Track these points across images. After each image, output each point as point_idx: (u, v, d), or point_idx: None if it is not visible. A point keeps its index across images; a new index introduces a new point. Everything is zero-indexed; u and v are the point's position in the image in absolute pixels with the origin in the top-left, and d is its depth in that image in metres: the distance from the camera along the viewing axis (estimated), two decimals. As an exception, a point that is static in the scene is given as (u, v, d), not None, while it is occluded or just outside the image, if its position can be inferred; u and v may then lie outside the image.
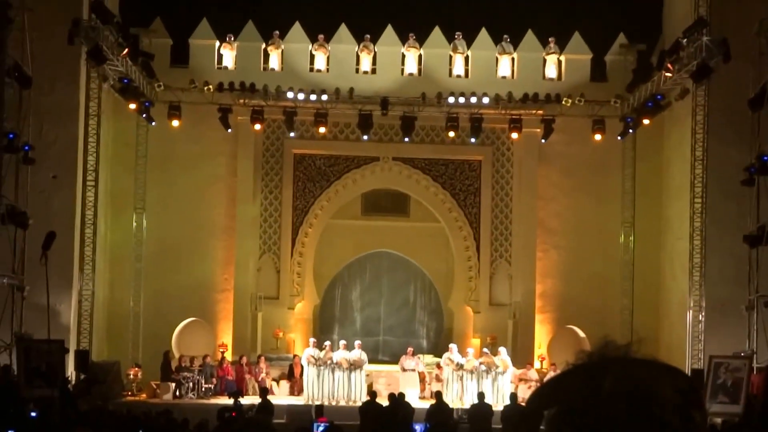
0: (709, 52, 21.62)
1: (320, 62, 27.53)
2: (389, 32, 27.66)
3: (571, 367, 1.84)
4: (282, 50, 27.56)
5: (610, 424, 1.66)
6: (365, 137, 26.14)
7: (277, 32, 27.52)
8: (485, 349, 24.95)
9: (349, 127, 26.48)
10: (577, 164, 27.38)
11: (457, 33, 27.59)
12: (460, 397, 22.72)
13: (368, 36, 27.61)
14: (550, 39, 27.70)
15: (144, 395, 23.90)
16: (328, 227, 27.80)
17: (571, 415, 1.70)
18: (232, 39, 27.46)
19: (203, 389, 24.18)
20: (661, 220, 26.93)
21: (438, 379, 23.92)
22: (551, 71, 27.68)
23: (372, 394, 20.59)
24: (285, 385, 24.62)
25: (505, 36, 27.65)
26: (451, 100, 26.44)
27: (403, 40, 27.61)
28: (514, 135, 26.55)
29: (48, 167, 21.68)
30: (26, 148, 20.52)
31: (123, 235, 26.68)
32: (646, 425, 1.65)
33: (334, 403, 21.88)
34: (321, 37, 27.54)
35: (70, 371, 21.77)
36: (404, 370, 24.38)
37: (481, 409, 18.87)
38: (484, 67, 27.63)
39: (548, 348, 27.09)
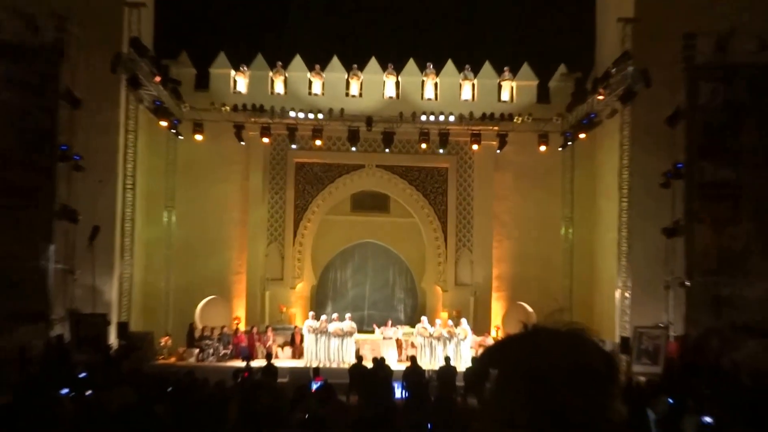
0: (634, 80, 21.63)
1: (317, 87, 27.53)
2: (373, 63, 27.68)
3: (509, 335, 1.90)
4: (285, 77, 27.54)
5: (543, 375, 1.67)
6: (353, 148, 26.11)
7: (281, 63, 27.50)
8: (450, 321, 25.01)
9: (340, 140, 26.50)
10: (526, 170, 27.40)
11: (428, 63, 27.65)
12: (430, 361, 22.72)
13: (356, 66, 27.60)
14: (504, 68, 27.72)
15: (172, 359, 23.89)
16: (323, 222, 27.80)
17: (511, 371, 1.73)
18: (245, 68, 27.45)
19: (221, 354, 24.18)
20: (594, 215, 26.98)
21: (413, 345, 23.91)
22: (505, 95, 27.73)
23: (359, 357, 20.55)
24: (288, 350, 24.59)
25: (467, 66, 27.63)
26: (423, 118, 26.47)
27: (384, 69, 27.61)
28: (475, 147, 26.50)
29: (94, 173, 21.58)
30: (76, 157, 20.47)
31: (155, 229, 26.62)
32: (578, 371, 1.68)
33: (328, 365, 21.86)
34: (317, 66, 27.53)
35: (112, 339, 21.74)
36: (385, 338, 24.49)
37: (447, 370, 18.79)
38: (449, 91, 27.69)
39: (502, 320, 27.10)
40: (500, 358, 1.80)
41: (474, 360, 21.17)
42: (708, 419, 8.37)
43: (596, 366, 1.71)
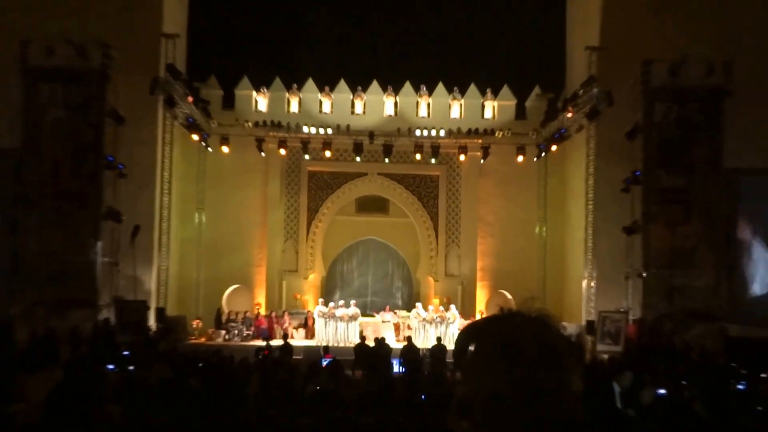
0: (598, 100, 21.65)
1: (326, 106, 27.53)
2: (374, 85, 27.63)
3: (486, 317, 1.94)
4: (299, 98, 27.52)
5: (513, 350, 1.71)
6: (358, 159, 26.07)
7: (296, 85, 27.51)
8: (441, 307, 25.02)
9: (346, 151, 26.46)
10: (505, 177, 27.35)
11: (422, 86, 27.63)
12: (423, 341, 22.69)
13: (360, 88, 27.58)
14: (487, 90, 27.69)
15: (203, 339, 23.86)
16: (332, 222, 27.75)
17: (486, 346, 1.78)
18: (265, 90, 27.43)
19: (244, 335, 24.12)
20: (564, 216, 26.90)
21: (409, 327, 23.87)
22: (488, 112, 27.69)
23: (362, 338, 20.48)
24: (302, 331, 24.54)
25: (455, 88, 27.61)
26: (418, 132, 26.42)
27: (384, 90, 27.58)
28: (462, 157, 26.49)
29: (135, 180, 21.56)
30: (120, 167, 20.49)
31: (188, 228, 26.60)
32: (543, 349, 1.73)
33: (336, 345, 21.84)
34: (326, 88, 27.53)
35: (151, 323, 21.74)
36: (384, 321, 24.48)
37: (439, 348, 18.72)
38: (440, 109, 27.67)
39: (486, 306, 26.99)
40: (478, 335, 1.83)
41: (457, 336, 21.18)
42: (662, 391, 8.39)
43: (559, 346, 1.76)
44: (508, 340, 1.74)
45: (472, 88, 27.87)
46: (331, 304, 24.45)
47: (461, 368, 1.84)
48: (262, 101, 27.48)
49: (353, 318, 23.79)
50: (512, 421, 1.67)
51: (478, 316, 25.90)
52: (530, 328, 1.77)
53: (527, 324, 1.79)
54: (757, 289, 20.78)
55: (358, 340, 20.53)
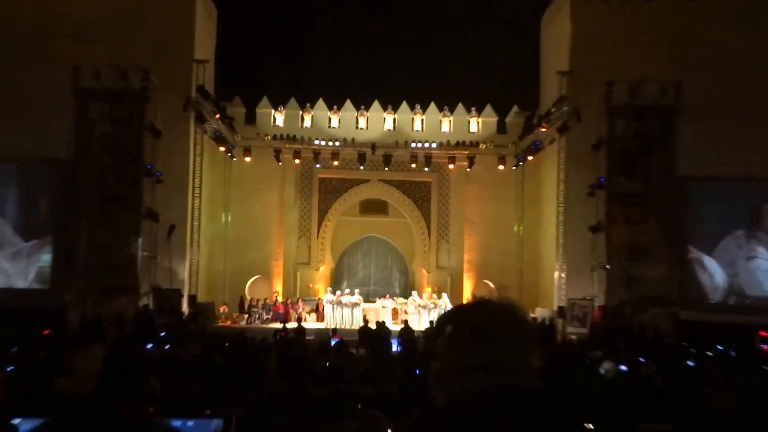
0: (568, 117, 21.73)
1: (335, 122, 27.56)
2: (376, 104, 27.67)
3: (461, 303, 2.04)
4: (311, 115, 27.59)
5: (482, 331, 1.78)
6: (362, 167, 26.12)
7: (308, 104, 27.59)
8: (434, 294, 25.11)
9: (352, 161, 26.49)
10: (489, 183, 27.36)
11: (417, 104, 27.75)
12: (418, 324, 22.71)
13: (363, 106, 27.64)
14: (472, 108, 27.80)
15: (228, 322, 23.92)
16: (339, 221, 27.78)
17: (460, 327, 1.83)
18: (282, 108, 27.47)
19: (264, 319, 24.24)
20: (539, 216, 26.90)
21: (405, 312, 23.94)
22: (473, 127, 27.73)
23: (365, 321, 20.50)
24: (313, 316, 24.61)
25: (445, 106, 27.73)
26: (413, 145, 26.56)
27: (384, 109, 27.66)
28: (451, 166, 26.56)
29: (170, 185, 21.53)
30: (158, 174, 20.46)
31: (216, 226, 26.61)
32: (507, 331, 1.78)
33: (342, 327, 21.88)
34: (335, 107, 27.59)
35: (184, 308, 21.78)
36: (384, 307, 24.56)
37: (431, 331, 18.80)
38: (432, 125, 27.69)
39: (472, 293, 27.09)
40: (454, 318, 1.88)
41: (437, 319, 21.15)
42: (623, 367, 8.39)
43: (521, 329, 1.80)
44: (478, 323, 1.79)
45: (460, 107, 27.95)
46: (339, 292, 24.51)
47: (438, 345, 1.86)
48: (279, 118, 27.54)
49: (357, 304, 23.85)
50: (477, 388, 1.71)
51: (475, 298, 25.94)
52: (497, 314, 1.82)
53: (495, 311, 1.84)
54: (704, 279, 20.82)
55: (361, 323, 20.55)
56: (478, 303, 1.92)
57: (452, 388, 1.77)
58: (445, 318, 1.91)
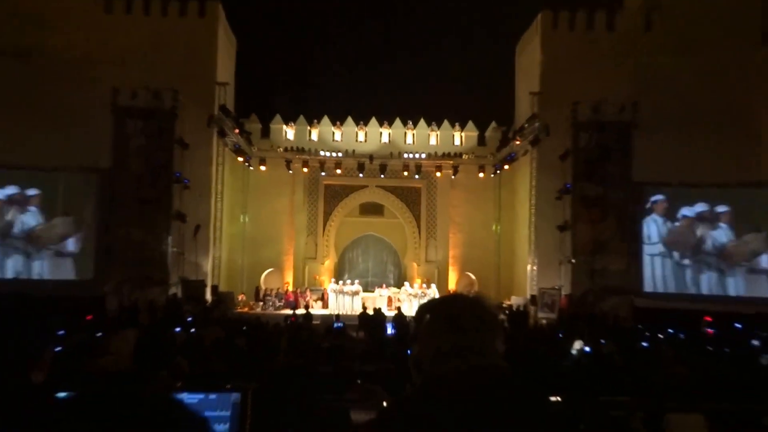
0: (539, 131, 21.75)
1: (338, 136, 27.52)
2: (373, 121, 27.60)
3: (437, 297, 2.06)
4: (318, 130, 27.56)
5: (455, 319, 1.79)
6: (361, 175, 26.08)
7: (315, 120, 27.55)
8: (424, 284, 25.14)
9: (353, 169, 26.43)
10: (470, 189, 27.36)
11: (408, 121, 27.71)
12: (409, 310, 22.67)
13: (362, 122, 27.58)
14: (456, 123, 27.79)
15: (246, 309, 23.88)
16: (342, 222, 27.72)
17: (437, 316, 1.85)
18: (292, 124, 27.41)
19: (276, 306, 24.21)
20: (513, 217, 26.80)
21: (399, 300, 23.95)
22: (457, 140, 27.71)
23: (364, 308, 20.55)
24: (319, 303, 24.61)
25: (433, 122, 27.73)
26: (405, 155, 26.55)
27: (381, 124, 27.61)
28: (438, 174, 26.53)
29: (196, 190, 21.55)
30: (186, 181, 20.51)
31: (235, 226, 26.55)
32: (476, 320, 1.80)
33: (345, 313, 21.89)
34: (338, 123, 27.55)
35: (208, 296, 21.75)
36: (380, 296, 24.50)
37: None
38: (422, 138, 27.63)
39: (456, 284, 27.24)
40: (431, 309, 1.88)
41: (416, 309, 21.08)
42: (587, 348, 8.38)
43: (488, 318, 1.81)
44: (452, 313, 1.81)
45: (446, 123, 27.92)
46: (341, 283, 24.50)
47: (418, 332, 1.87)
48: (290, 132, 27.47)
49: (357, 293, 23.82)
50: (449, 369, 1.71)
51: (450, 292, 25.97)
52: (469, 305, 1.84)
53: (467, 303, 1.86)
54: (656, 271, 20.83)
55: (361, 310, 20.54)
56: (452, 296, 1.96)
57: (428, 369, 1.77)
58: (423, 308, 1.91)
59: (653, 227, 19.92)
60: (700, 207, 19.63)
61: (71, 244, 19.46)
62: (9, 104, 21.40)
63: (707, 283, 19.62)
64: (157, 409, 1.00)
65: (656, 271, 19.83)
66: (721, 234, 19.54)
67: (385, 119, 27.78)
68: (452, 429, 1.57)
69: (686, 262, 19.65)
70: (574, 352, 7.52)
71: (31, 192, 19.37)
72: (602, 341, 9.59)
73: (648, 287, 19.69)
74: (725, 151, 21.14)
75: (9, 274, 19.33)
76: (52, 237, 19.56)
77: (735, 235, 19.41)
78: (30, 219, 19.40)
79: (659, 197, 19.80)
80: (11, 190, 19.25)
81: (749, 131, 21.95)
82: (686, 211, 19.80)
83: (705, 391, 4.82)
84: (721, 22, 22.06)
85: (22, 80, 21.42)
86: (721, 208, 19.43)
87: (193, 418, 1.01)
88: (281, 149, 26.57)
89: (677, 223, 19.74)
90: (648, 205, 19.90)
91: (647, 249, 19.79)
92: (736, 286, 19.47)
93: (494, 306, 1.92)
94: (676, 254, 19.72)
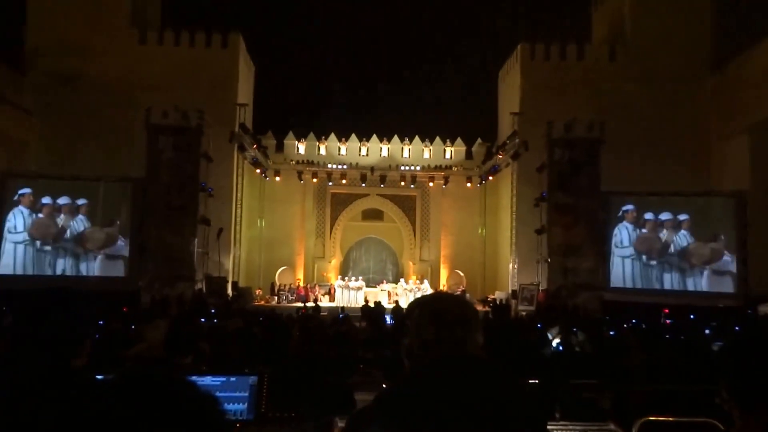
0: (519, 147, 21.77)
1: (343, 150, 27.49)
2: (374, 137, 27.67)
3: (425, 295, 2.05)
4: (326, 145, 27.58)
5: (440, 315, 1.78)
6: (363, 185, 26.14)
7: (323, 137, 27.56)
8: (418, 281, 25.12)
9: (356, 180, 26.50)
10: (459, 197, 27.37)
11: (405, 137, 27.74)
12: (406, 304, 22.64)
13: (364, 138, 27.62)
14: (447, 140, 27.78)
15: (262, 302, 23.85)
16: (346, 226, 27.72)
17: (424, 312, 1.82)
18: (303, 140, 27.45)
19: (289, 299, 24.18)
20: (497, 222, 26.83)
21: (396, 294, 23.98)
22: (448, 155, 27.75)
23: (366, 301, 20.57)
24: (327, 297, 24.65)
25: (427, 138, 27.77)
26: (402, 168, 26.59)
27: (381, 140, 27.60)
28: (431, 184, 26.59)
29: (219, 198, 21.62)
30: (210, 190, 20.48)
31: (253, 230, 26.56)
32: (459, 315, 1.78)
33: (349, 306, 21.87)
34: (343, 138, 27.56)
35: (229, 291, 21.73)
36: (381, 290, 24.53)
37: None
38: (417, 152, 27.64)
39: (446, 280, 27.23)
40: (419, 305, 1.88)
41: (407, 305, 21.09)
42: (556, 341, 8.33)
43: (469, 315, 1.81)
44: (437, 309, 1.80)
45: (438, 139, 27.92)
46: (346, 279, 24.55)
47: (408, 325, 1.86)
48: (301, 147, 27.49)
49: (360, 288, 23.85)
50: (435, 358, 1.72)
51: (441, 287, 25.97)
52: (452, 302, 1.84)
53: (451, 300, 1.87)
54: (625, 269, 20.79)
55: (363, 303, 20.54)
56: (438, 294, 2.03)
57: (417, 358, 1.78)
58: (413, 304, 1.91)
59: (624, 233, 19.92)
60: (665, 216, 19.69)
61: (121, 248, 19.47)
62: (59, 124, 21.84)
63: (670, 281, 19.60)
64: (173, 389, 1.01)
65: (626, 271, 19.83)
66: (683, 238, 19.59)
67: (385, 136, 27.79)
68: (438, 408, 1.57)
69: (653, 263, 19.66)
70: (550, 336, 7.50)
71: (80, 201, 19.52)
72: (574, 330, 9.56)
73: (618, 284, 19.68)
74: (681, 165, 21.47)
75: (58, 272, 19.36)
76: (97, 241, 19.60)
77: (695, 240, 19.46)
78: (79, 225, 19.53)
79: (629, 207, 19.80)
80: (64, 200, 19.46)
81: (701, 147, 22.30)
82: (652, 217, 19.83)
83: (663, 374, 4.82)
84: (677, 53, 22.53)
85: (70, 103, 21.76)
86: (682, 216, 19.53)
87: (203, 397, 1.02)
88: (293, 162, 26.59)
89: (644, 230, 19.78)
90: (620, 214, 19.90)
91: (619, 252, 19.80)
92: (695, 283, 19.46)
93: (473, 303, 1.92)
94: (644, 257, 19.75)
